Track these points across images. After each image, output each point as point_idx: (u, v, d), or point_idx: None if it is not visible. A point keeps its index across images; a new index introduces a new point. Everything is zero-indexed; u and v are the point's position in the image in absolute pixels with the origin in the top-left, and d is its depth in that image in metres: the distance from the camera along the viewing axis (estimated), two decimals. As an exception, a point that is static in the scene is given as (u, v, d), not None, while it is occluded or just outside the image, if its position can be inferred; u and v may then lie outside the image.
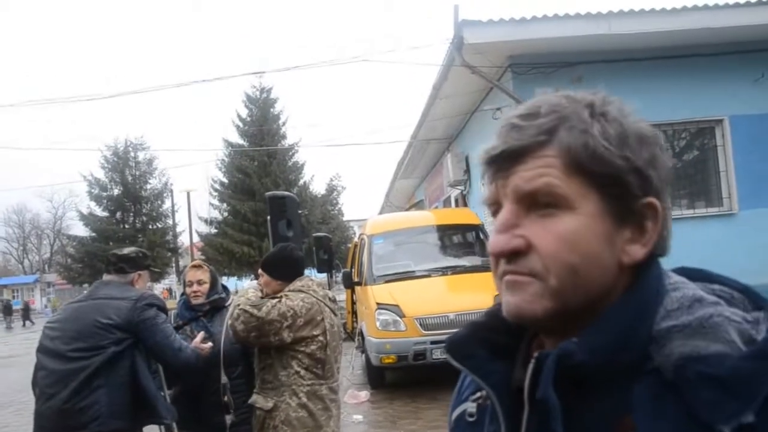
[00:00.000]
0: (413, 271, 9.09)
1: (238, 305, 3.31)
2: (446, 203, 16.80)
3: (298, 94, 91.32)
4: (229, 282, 29.22)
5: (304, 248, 6.34)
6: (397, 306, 8.29)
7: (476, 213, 10.94)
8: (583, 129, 0.73)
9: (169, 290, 39.74)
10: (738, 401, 0.63)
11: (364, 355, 9.50)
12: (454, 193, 15.26)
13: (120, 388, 3.16)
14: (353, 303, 11.12)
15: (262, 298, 3.42)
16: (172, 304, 5.31)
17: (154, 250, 30.91)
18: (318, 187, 33.63)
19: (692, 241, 7.90)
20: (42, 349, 3.28)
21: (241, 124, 30.45)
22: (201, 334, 3.64)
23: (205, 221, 31.80)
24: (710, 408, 0.64)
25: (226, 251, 28.58)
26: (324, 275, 11.48)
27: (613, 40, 8.92)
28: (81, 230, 35.56)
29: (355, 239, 13.51)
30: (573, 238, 0.72)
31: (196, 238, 32.69)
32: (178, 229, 35.49)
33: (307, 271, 3.80)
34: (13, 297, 53.28)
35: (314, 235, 12.17)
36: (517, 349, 0.83)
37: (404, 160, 18.65)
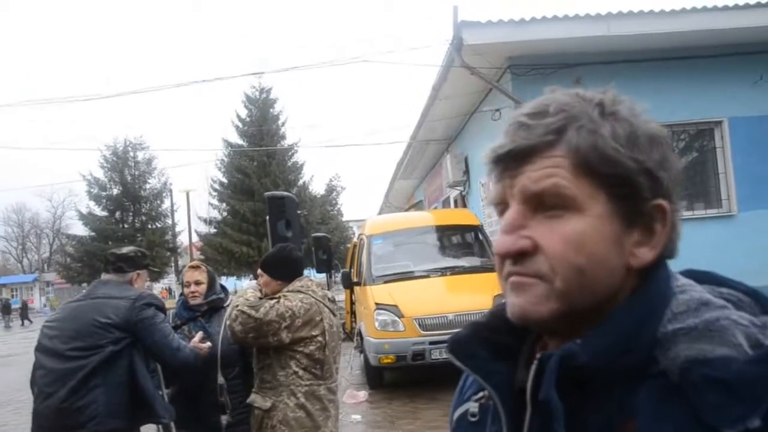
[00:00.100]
0: (412, 272, 9.09)
1: (236, 306, 3.32)
2: (445, 204, 16.81)
3: (298, 95, 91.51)
4: (228, 282, 29.24)
5: (303, 248, 6.34)
6: (395, 306, 8.29)
7: (475, 213, 10.95)
8: (593, 129, 0.72)
9: (169, 290, 39.75)
10: (744, 405, 0.62)
11: (362, 355, 9.50)
12: (454, 193, 15.27)
13: (118, 387, 3.16)
14: (352, 303, 11.12)
15: (261, 298, 3.43)
16: (171, 304, 5.31)
17: (154, 250, 30.94)
18: (317, 188, 33.72)
19: (691, 242, 7.77)
20: (40, 348, 3.28)
21: (240, 125, 30.47)
22: (199, 334, 3.64)
23: (205, 221, 31.82)
24: (716, 412, 0.63)
25: (225, 251, 28.60)
26: (323, 275, 11.48)
27: (613, 42, 8.93)
28: (80, 230, 35.62)
29: (354, 239, 13.51)
30: (580, 240, 0.71)
31: (195, 238, 32.72)
32: (177, 229, 35.56)
33: (306, 272, 3.81)
34: (12, 296, 53.21)
35: (313, 235, 12.18)
36: (520, 350, 0.82)
37: (403, 161, 18.65)
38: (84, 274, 32.62)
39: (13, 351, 20.40)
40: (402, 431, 6.93)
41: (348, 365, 10.18)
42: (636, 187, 0.72)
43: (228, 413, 3.66)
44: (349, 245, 16.58)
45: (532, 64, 9.18)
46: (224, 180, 30.79)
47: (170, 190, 35.17)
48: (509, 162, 0.75)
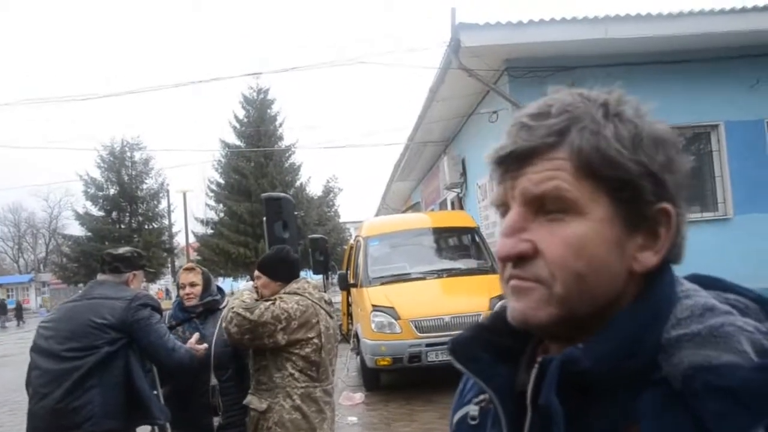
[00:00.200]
0: (409, 274, 9.09)
1: (232, 308, 3.32)
2: (442, 206, 16.81)
3: (295, 96, 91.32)
4: (225, 283, 29.20)
5: (300, 250, 6.33)
6: (392, 308, 8.29)
7: (472, 216, 10.95)
8: (595, 130, 0.71)
9: (166, 291, 39.66)
10: (748, 413, 0.61)
11: (359, 357, 9.50)
12: (451, 195, 15.28)
13: (114, 388, 3.16)
14: (349, 305, 11.12)
15: (257, 300, 3.43)
16: (167, 305, 5.30)
17: (150, 251, 30.89)
18: (314, 189, 33.74)
19: (687, 245, 7.91)
20: (36, 349, 3.27)
21: (237, 125, 30.49)
22: (196, 336, 3.65)
23: (201, 222, 31.83)
24: (719, 420, 0.61)
25: (221, 252, 28.60)
26: (320, 277, 11.48)
27: (610, 45, 8.94)
28: (76, 230, 35.58)
29: (351, 241, 13.51)
30: (581, 244, 0.70)
31: (192, 239, 32.70)
32: (174, 230, 35.51)
33: (302, 273, 3.81)
34: (8, 296, 53.06)
35: (310, 236, 12.17)
36: (521, 353, 0.81)
37: (401, 163, 18.66)
38: (80, 274, 32.56)
39: (9, 351, 20.35)
40: (398, 433, 6.92)
41: (344, 367, 10.17)
42: (639, 191, 0.71)
43: (220, 415, 3.66)
44: (346, 247, 16.58)
45: (530, 67, 9.19)
46: (221, 181, 30.80)
47: (167, 191, 35.17)
48: (511, 163, 0.74)
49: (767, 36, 9.00)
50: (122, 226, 34.25)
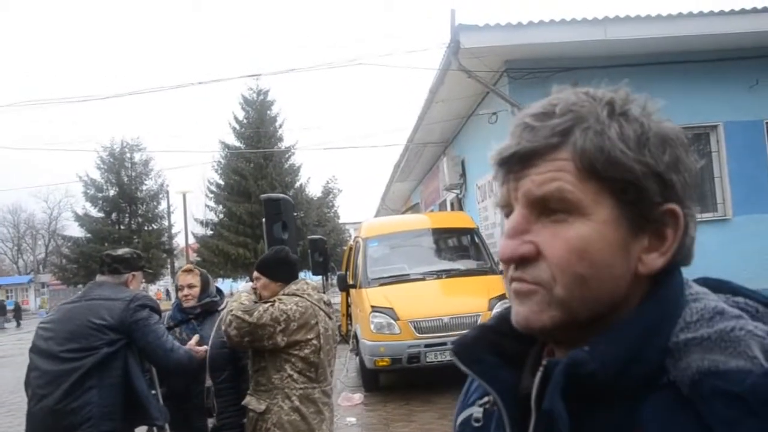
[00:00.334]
0: (408, 274, 9.09)
1: (231, 311, 3.32)
2: (442, 206, 16.82)
3: (295, 97, 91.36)
4: (224, 284, 29.19)
5: (299, 251, 6.33)
6: (391, 309, 8.29)
7: (471, 216, 10.95)
8: (599, 130, 0.69)
9: (166, 292, 39.65)
10: (757, 420, 0.59)
11: (358, 358, 9.49)
12: (450, 196, 15.28)
13: (112, 389, 3.16)
14: (348, 306, 11.12)
15: (256, 302, 3.43)
16: (167, 306, 5.30)
17: (150, 252, 30.88)
18: (314, 190, 33.64)
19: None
20: (35, 350, 3.27)
21: (237, 126, 30.46)
22: (196, 337, 3.66)
23: (201, 223, 31.77)
24: (727, 427, 0.60)
25: (221, 253, 28.57)
26: (319, 278, 11.48)
27: (609, 46, 8.95)
28: (76, 231, 35.51)
29: (351, 242, 13.51)
30: (583, 247, 0.69)
31: (191, 240, 32.69)
32: (173, 231, 35.47)
33: (301, 274, 3.82)
34: (7, 297, 53.01)
35: (310, 237, 12.19)
36: (526, 355, 0.80)
37: (400, 164, 18.66)
38: (79, 275, 32.50)
39: (8, 352, 20.34)
40: (397, 434, 6.92)
41: (343, 368, 10.17)
42: (644, 191, 0.69)
43: (214, 416, 3.67)
44: (345, 248, 16.58)
45: (530, 68, 9.19)
46: (221, 182, 30.77)
47: (167, 192, 35.12)
48: (514, 164, 0.73)
49: (766, 37, 9.01)
50: (122, 227, 34.21)
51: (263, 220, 5.92)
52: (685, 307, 0.70)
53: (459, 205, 14.43)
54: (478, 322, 7.04)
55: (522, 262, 0.72)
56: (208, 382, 3.68)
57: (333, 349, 3.58)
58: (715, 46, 9.24)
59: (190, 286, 3.93)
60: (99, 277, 3.52)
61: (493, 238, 11.04)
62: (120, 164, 34.19)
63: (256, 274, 3.56)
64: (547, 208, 0.71)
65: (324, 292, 3.94)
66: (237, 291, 3.94)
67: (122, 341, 3.22)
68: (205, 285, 3.99)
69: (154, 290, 38.84)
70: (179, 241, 36.26)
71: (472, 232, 9.96)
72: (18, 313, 40.96)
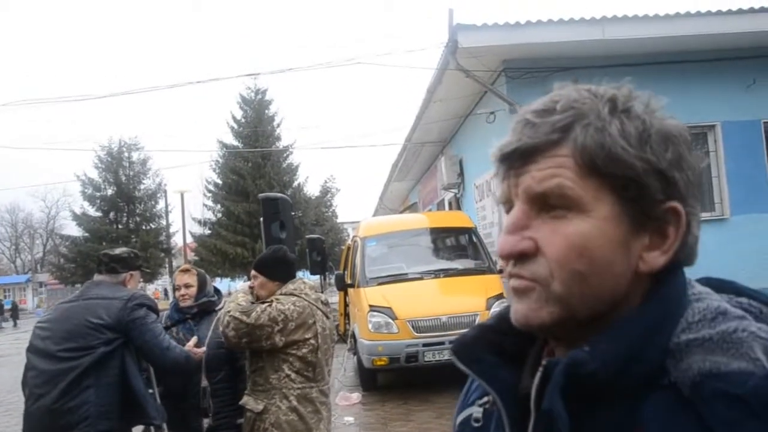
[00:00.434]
0: (406, 274, 9.10)
1: (228, 312, 3.31)
2: (440, 206, 16.83)
3: (293, 96, 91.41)
4: (222, 283, 29.17)
5: (297, 250, 6.33)
6: (389, 308, 8.29)
7: (469, 216, 10.96)
8: (600, 127, 0.69)
9: (165, 291, 39.60)
10: (759, 422, 0.59)
11: (356, 357, 9.49)
12: (448, 196, 15.29)
13: (109, 388, 3.15)
14: (346, 305, 11.12)
15: (254, 302, 3.42)
16: (165, 305, 5.30)
17: (148, 251, 30.87)
18: (312, 189, 33.53)
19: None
20: (32, 349, 3.27)
21: (235, 126, 30.40)
22: (194, 339, 3.66)
23: (199, 222, 31.70)
24: (728, 429, 0.60)
25: (219, 252, 28.51)
26: (317, 277, 11.47)
27: (607, 46, 8.96)
28: (74, 230, 35.43)
29: (349, 241, 13.51)
30: (583, 243, 0.68)
31: (189, 239, 32.62)
32: (171, 230, 35.45)
33: (299, 273, 3.81)
34: (5, 297, 52.93)
35: (308, 237, 12.19)
36: (526, 354, 0.80)
37: (398, 163, 18.66)
38: (77, 274, 32.45)
39: (5, 352, 20.31)
40: (395, 433, 6.92)
41: (341, 367, 10.18)
42: (646, 189, 0.69)
43: (210, 417, 3.67)
44: (343, 247, 16.58)
45: (527, 68, 9.20)
46: (219, 181, 30.70)
47: (165, 191, 35.07)
48: (514, 161, 0.73)
49: (764, 37, 9.02)
50: (120, 227, 34.16)
51: (261, 219, 5.92)
52: (688, 307, 0.69)
53: (457, 204, 14.44)
54: (476, 321, 7.06)
55: (521, 258, 0.71)
56: (204, 383, 3.68)
57: (330, 349, 3.58)
58: (712, 46, 9.25)
59: (187, 286, 3.93)
60: (96, 277, 3.52)
61: (491, 237, 11.04)
62: (118, 163, 34.15)
63: (253, 272, 3.56)
64: (547, 204, 0.70)
65: (322, 292, 3.94)
66: (235, 291, 3.94)
67: (119, 340, 3.22)
68: (202, 285, 3.99)
69: (152, 289, 38.76)
70: (177, 241, 36.27)
71: (470, 231, 9.97)
72: (15, 312, 40.88)
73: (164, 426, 3.47)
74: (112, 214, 34.44)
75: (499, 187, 0.77)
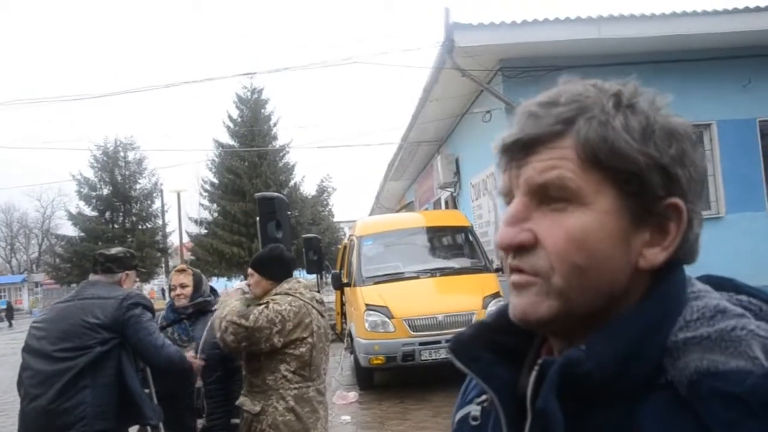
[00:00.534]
0: (402, 273, 9.10)
1: (224, 317, 3.29)
2: (436, 205, 16.83)
3: (290, 95, 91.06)
4: (219, 283, 29.12)
5: (293, 249, 6.33)
6: (386, 307, 8.30)
7: (466, 215, 10.97)
8: (604, 121, 0.69)
9: (162, 291, 39.53)
10: (757, 422, 0.58)
11: (352, 356, 9.50)
12: (444, 195, 15.29)
13: (106, 388, 3.15)
14: (342, 304, 11.12)
15: (249, 305, 3.41)
16: (161, 305, 5.29)
17: (144, 251, 30.77)
18: (308, 188, 33.53)
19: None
20: (28, 349, 3.26)
21: (231, 125, 30.36)
22: (191, 353, 3.65)
23: (195, 222, 31.70)
24: (726, 428, 0.59)
25: (215, 252, 28.48)
26: (313, 276, 11.46)
27: (604, 44, 8.98)
28: (70, 230, 35.33)
29: (345, 240, 13.50)
30: (583, 236, 0.68)
31: (185, 239, 32.58)
32: (167, 230, 35.37)
33: (296, 273, 3.81)
34: (0, 297, 52.80)
35: (304, 236, 12.15)
36: (525, 353, 0.79)
37: (395, 162, 18.66)
38: (73, 274, 32.35)
39: (0, 352, 20.25)
40: (392, 432, 6.93)
41: (338, 366, 10.18)
42: (647, 184, 0.68)
43: (204, 417, 3.67)
44: (339, 246, 16.56)
45: (524, 67, 9.21)
46: (215, 180, 30.66)
47: (161, 191, 35.00)
48: (516, 152, 0.72)
49: (759, 36, 9.05)
50: (115, 226, 34.07)
51: (257, 218, 5.90)
52: (686, 305, 0.69)
53: (453, 203, 14.45)
54: (473, 320, 7.06)
55: (520, 250, 0.71)
56: (199, 383, 3.68)
57: (326, 347, 3.58)
58: (708, 45, 9.28)
59: (183, 286, 3.93)
60: (92, 276, 3.51)
61: (487, 236, 11.06)
62: (114, 163, 34.04)
63: (250, 270, 3.55)
64: (548, 196, 0.70)
65: (319, 291, 3.94)
66: (223, 294, 3.94)
67: (115, 340, 3.22)
68: (197, 285, 3.98)
69: (149, 289, 38.69)
70: (173, 240, 36.18)
71: (467, 230, 9.98)
72: (10, 312, 40.76)
73: (161, 426, 3.47)
74: (108, 214, 34.34)
75: (501, 179, 0.77)
